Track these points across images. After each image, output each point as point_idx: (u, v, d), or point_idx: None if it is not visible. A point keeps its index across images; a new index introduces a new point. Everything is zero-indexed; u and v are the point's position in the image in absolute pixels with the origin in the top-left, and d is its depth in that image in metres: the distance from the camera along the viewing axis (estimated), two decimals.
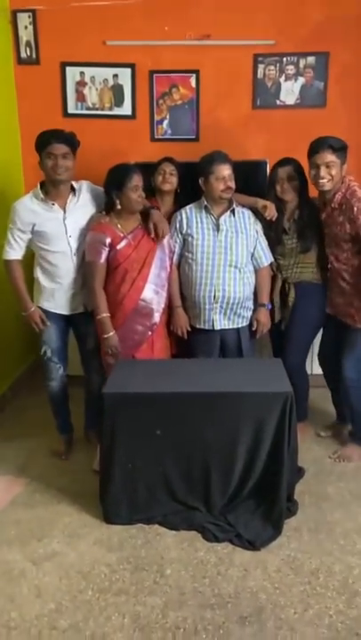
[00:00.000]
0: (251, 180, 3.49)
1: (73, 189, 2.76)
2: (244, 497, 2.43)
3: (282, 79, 3.72)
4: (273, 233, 2.93)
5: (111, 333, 2.70)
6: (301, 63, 3.69)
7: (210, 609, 2.00)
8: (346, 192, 2.64)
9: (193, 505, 2.44)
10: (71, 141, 2.68)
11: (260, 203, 2.91)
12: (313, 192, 2.90)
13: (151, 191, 3.02)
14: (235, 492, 2.43)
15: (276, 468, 2.37)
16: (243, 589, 2.09)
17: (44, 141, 2.65)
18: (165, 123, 3.81)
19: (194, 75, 3.71)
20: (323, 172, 2.64)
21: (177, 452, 2.40)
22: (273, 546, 2.31)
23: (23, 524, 2.48)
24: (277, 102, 3.77)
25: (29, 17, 3.63)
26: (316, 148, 2.67)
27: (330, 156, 2.63)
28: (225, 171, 2.77)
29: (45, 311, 2.84)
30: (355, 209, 2.56)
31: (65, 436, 3.08)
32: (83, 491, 2.68)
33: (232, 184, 2.79)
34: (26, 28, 3.65)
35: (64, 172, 2.65)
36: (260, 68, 3.71)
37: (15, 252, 2.76)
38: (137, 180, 2.65)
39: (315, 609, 2.00)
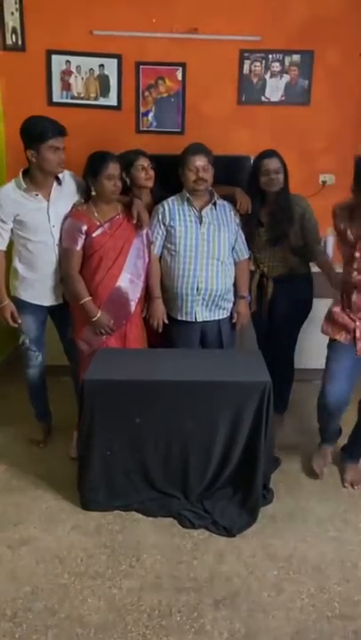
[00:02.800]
0: (233, 175, 3.54)
1: (57, 178, 2.77)
2: (221, 484, 2.48)
3: (267, 76, 3.78)
4: (247, 227, 2.97)
5: (98, 314, 2.71)
6: (287, 61, 3.75)
7: (185, 592, 2.05)
8: None
9: (170, 492, 2.48)
10: (66, 132, 2.63)
11: (238, 194, 2.95)
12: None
13: (127, 186, 2.97)
14: (212, 479, 2.48)
15: (253, 456, 2.42)
16: (218, 574, 2.14)
17: (45, 133, 2.56)
18: (151, 115, 3.84)
19: (180, 68, 3.75)
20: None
21: (155, 439, 2.44)
22: (248, 532, 2.36)
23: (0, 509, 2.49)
24: (262, 99, 3.83)
25: (16, 3, 3.62)
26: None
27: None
28: (198, 161, 2.79)
29: (24, 301, 2.83)
30: None
31: (43, 423, 3.10)
32: (60, 477, 2.70)
33: (206, 175, 2.81)
34: (12, 14, 3.64)
35: (63, 164, 2.66)
36: (246, 64, 3.76)
37: None
38: (113, 169, 2.66)
39: (287, 592, 2.06)
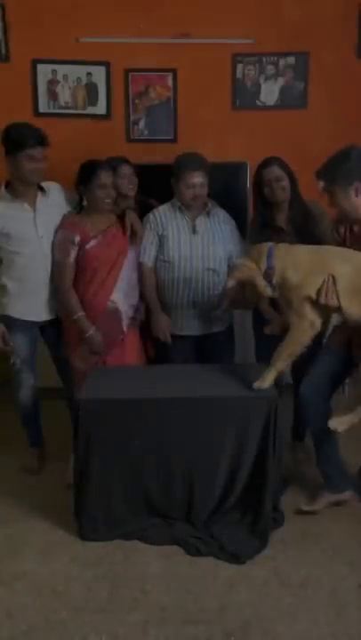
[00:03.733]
0: (230, 182, 3.57)
1: (41, 189, 2.77)
2: (228, 508, 2.44)
3: (261, 79, 3.83)
4: (263, 236, 2.77)
5: (91, 331, 2.70)
6: (281, 63, 3.81)
7: (193, 625, 2.00)
8: None
9: (174, 517, 2.44)
10: (47, 142, 2.65)
11: (127, 217, 2.83)
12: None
13: None
14: (218, 502, 2.43)
15: (261, 477, 2.38)
16: (228, 604, 2.09)
17: (22, 141, 2.59)
18: (142, 123, 3.87)
19: (171, 74, 3.80)
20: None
21: (156, 461, 2.40)
22: (258, 558, 2.31)
23: None
24: (257, 103, 3.87)
25: None
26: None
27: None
28: (195, 178, 2.78)
29: (14, 319, 2.82)
30: None
31: (37, 449, 3.06)
32: (56, 506, 2.65)
33: (203, 191, 2.81)
34: None
35: (41, 175, 2.67)
36: (240, 67, 3.81)
37: None
38: (105, 178, 2.67)
39: (303, 622, 2.01)
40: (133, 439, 2.38)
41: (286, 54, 3.78)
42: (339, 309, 2.29)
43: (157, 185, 3.00)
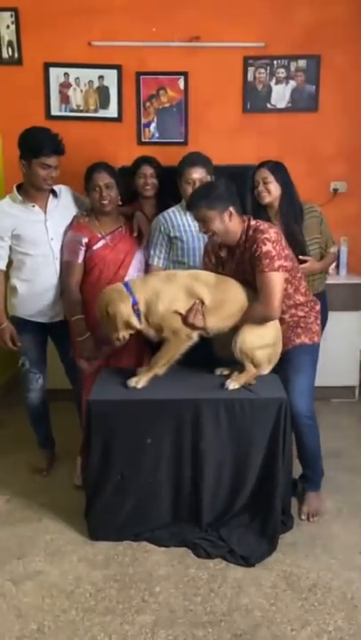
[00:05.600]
0: (241, 185, 3.56)
1: (53, 192, 2.80)
2: (238, 510, 2.44)
3: (272, 82, 3.83)
4: None
5: (86, 335, 2.72)
6: (292, 66, 3.81)
7: (202, 627, 2.00)
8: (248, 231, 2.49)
9: (183, 519, 2.44)
10: (63, 151, 2.69)
11: (137, 218, 2.88)
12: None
13: (135, 195, 3.06)
14: (227, 505, 2.44)
15: (270, 479, 2.38)
16: (237, 607, 2.09)
17: (38, 148, 2.61)
18: (153, 126, 3.89)
19: (182, 77, 3.81)
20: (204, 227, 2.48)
21: (166, 462, 2.41)
22: (268, 561, 2.32)
23: (2, 542, 2.46)
24: (268, 106, 3.88)
25: (12, 16, 3.71)
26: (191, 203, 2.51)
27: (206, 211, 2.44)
28: (194, 174, 2.81)
29: (23, 320, 2.84)
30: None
31: (46, 451, 3.08)
32: (66, 507, 2.67)
33: None
34: (8, 27, 3.73)
35: (53, 182, 2.70)
36: (251, 71, 3.82)
37: None
38: (97, 180, 2.69)
39: (313, 626, 2.01)
40: (141, 440, 2.39)
41: (297, 57, 3.78)
42: (204, 329, 2.46)
43: (168, 187, 3.02)
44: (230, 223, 2.43)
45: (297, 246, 2.75)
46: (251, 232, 2.46)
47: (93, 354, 2.75)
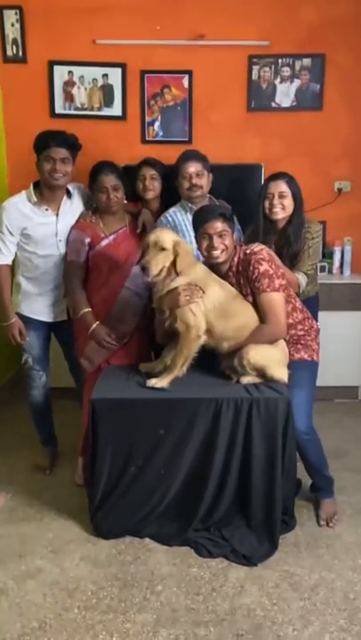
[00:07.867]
0: (245, 183, 3.57)
1: (68, 192, 2.80)
2: (240, 510, 2.43)
3: (277, 81, 3.83)
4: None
5: (95, 325, 2.69)
6: (297, 65, 3.80)
7: (203, 626, 2.00)
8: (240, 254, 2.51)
9: (185, 518, 2.44)
10: (72, 145, 2.70)
11: (142, 216, 2.90)
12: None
13: (137, 197, 3.04)
14: (229, 504, 2.43)
15: (271, 479, 2.37)
16: (238, 606, 2.09)
17: (43, 143, 2.65)
18: (157, 124, 3.89)
19: (186, 75, 3.80)
20: (216, 241, 2.45)
21: (170, 461, 2.41)
22: (270, 561, 2.31)
23: (4, 540, 2.47)
24: (273, 105, 3.87)
25: (16, 14, 3.71)
26: (205, 216, 2.49)
27: (221, 225, 2.44)
28: (190, 168, 2.80)
29: (27, 317, 2.85)
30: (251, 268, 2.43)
31: (48, 448, 3.08)
32: (68, 505, 2.67)
33: (200, 181, 2.81)
34: (12, 25, 3.73)
35: (62, 177, 2.68)
36: (255, 69, 3.81)
37: (4, 257, 2.75)
38: (103, 181, 2.68)
39: (315, 626, 2.00)
40: (143, 439, 2.39)
41: (302, 56, 3.77)
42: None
43: (172, 186, 3.00)
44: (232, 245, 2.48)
45: (292, 261, 2.72)
46: (242, 255, 2.48)
47: (108, 343, 2.70)
